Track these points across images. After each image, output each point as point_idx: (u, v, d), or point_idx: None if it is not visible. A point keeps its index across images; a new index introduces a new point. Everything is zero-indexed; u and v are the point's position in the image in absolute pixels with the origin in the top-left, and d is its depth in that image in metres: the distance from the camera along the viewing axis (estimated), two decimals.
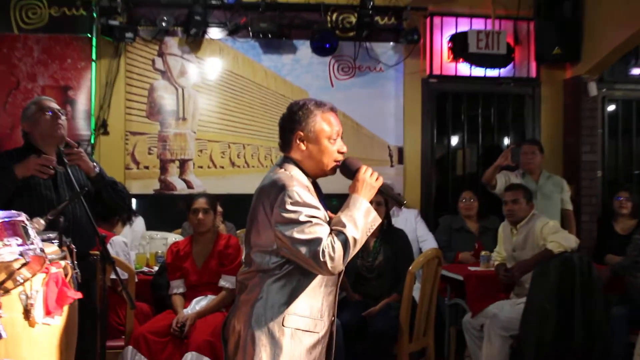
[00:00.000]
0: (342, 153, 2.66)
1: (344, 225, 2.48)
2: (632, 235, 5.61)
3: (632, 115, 7.32)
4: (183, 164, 6.51)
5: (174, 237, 5.76)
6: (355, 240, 2.48)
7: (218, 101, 6.56)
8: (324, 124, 2.62)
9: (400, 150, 6.86)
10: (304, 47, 6.62)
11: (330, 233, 2.46)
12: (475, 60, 6.82)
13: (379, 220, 2.60)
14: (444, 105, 7.08)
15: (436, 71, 6.84)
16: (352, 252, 2.48)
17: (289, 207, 2.45)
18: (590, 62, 6.76)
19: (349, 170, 2.65)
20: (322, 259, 2.41)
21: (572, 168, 6.97)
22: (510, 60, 6.94)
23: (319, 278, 2.59)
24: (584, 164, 6.87)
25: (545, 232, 4.96)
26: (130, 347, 4.31)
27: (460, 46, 6.75)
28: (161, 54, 6.43)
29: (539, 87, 7.14)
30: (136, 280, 4.64)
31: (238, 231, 6.04)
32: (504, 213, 5.27)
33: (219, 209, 5.61)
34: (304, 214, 2.45)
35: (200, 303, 4.55)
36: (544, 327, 4.62)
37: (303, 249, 2.43)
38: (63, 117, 3.69)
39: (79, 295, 2.82)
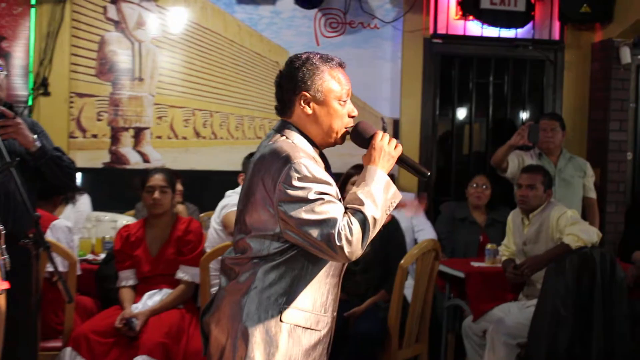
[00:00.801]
0: (352, 117, 2.67)
1: (361, 203, 2.48)
2: None
3: None
4: (138, 133, 6.51)
5: (125, 220, 5.76)
6: (375, 220, 2.48)
7: (182, 59, 6.55)
8: (333, 82, 2.62)
9: (396, 124, 6.89)
10: None
11: (346, 212, 2.46)
12: (488, 17, 6.84)
13: (399, 197, 2.60)
14: (450, 71, 7.10)
15: (441, 30, 6.86)
16: (372, 234, 2.48)
17: (295, 182, 2.44)
18: (624, 22, 6.81)
19: (362, 137, 2.66)
20: (338, 243, 2.40)
21: (597, 149, 7.03)
22: (530, 18, 6.97)
23: (326, 267, 2.60)
24: (611, 143, 6.93)
25: (562, 224, 5.01)
26: (68, 349, 4.33)
27: (470, 0, 6.77)
28: (115, 1, 6.40)
29: (563, 51, 7.17)
30: (79, 270, 4.65)
31: (202, 214, 6.07)
32: (516, 199, 5.32)
33: (179, 187, 5.64)
34: (313, 190, 2.44)
35: (153, 298, 4.58)
36: (557, 334, 4.68)
37: (314, 232, 2.41)
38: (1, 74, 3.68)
39: (5, 285, 2.83)
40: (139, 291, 4.66)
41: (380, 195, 2.51)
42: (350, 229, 2.42)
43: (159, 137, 6.54)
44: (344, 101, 2.64)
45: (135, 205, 6.05)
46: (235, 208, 4.45)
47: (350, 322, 4.64)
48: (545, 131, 6.00)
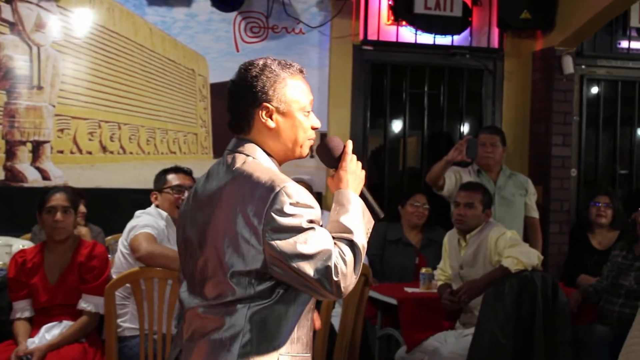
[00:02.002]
0: (315, 129, 2.62)
1: (349, 231, 2.44)
2: (611, 250, 5.81)
3: (617, 99, 7.57)
4: (37, 147, 6.40)
5: (20, 244, 5.64)
6: (364, 248, 2.45)
7: (86, 66, 6.47)
8: (296, 92, 2.55)
9: (323, 137, 6.86)
10: None
11: (335, 242, 2.40)
12: (422, 23, 6.94)
13: (372, 222, 2.58)
14: (381, 81, 7.16)
15: (372, 36, 6.92)
16: (361, 265, 2.44)
17: (287, 209, 2.35)
18: (566, 30, 6.96)
19: (331, 154, 2.63)
20: (335, 278, 2.34)
21: (540, 165, 7.17)
22: (467, 25, 7.10)
23: (310, 302, 2.52)
24: (554, 159, 7.07)
25: (501, 245, 5.08)
26: None
27: (403, 5, 6.86)
28: (10, 0, 6.30)
29: (502, 60, 7.32)
30: None
31: (108, 237, 5.99)
32: (453, 219, 5.39)
33: (82, 208, 5.56)
34: (305, 217, 2.37)
35: (51, 331, 4.49)
36: None
37: (308, 267, 2.33)
38: None
39: None
40: (35, 324, 4.56)
41: (361, 222, 2.49)
42: (344, 261, 2.37)
43: (61, 152, 6.43)
44: (308, 112, 2.58)
45: (32, 228, 5.94)
46: (145, 229, 4.46)
47: None
48: (485, 146, 6.10)
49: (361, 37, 6.92)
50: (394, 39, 6.99)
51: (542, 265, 5.06)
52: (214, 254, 2.45)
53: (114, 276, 4.54)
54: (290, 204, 2.36)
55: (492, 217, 5.45)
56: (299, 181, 5.96)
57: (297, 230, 2.35)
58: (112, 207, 6.33)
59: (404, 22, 6.94)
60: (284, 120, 2.53)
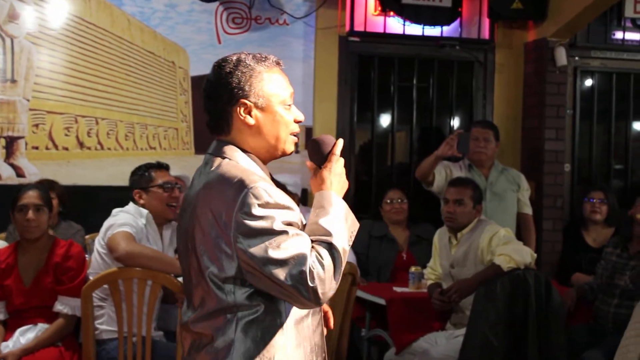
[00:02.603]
0: (298, 122, 2.59)
1: (328, 233, 2.37)
2: (605, 248, 5.82)
3: (612, 91, 7.59)
4: (11, 143, 6.37)
5: None
6: (345, 251, 2.39)
7: (62, 58, 6.44)
8: (274, 85, 2.53)
9: (309, 132, 6.89)
10: None
11: (312, 245, 2.34)
12: (411, 14, 6.93)
13: (357, 225, 2.53)
14: (368, 73, 7.15)
15: (358, 27, 6.91)
16: (342, 268, 2.38)
17: (256, 211, 2.30)
18: (559, 20, 6.95)
19: (319, 150, 2.59)
20: (310, 284, 2.27)
21: (532, 160, 7.18)
22: (457, 15, 7.09)
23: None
24: (547, 154, 7.08)
25: (494, 244, 5.08)
26: None
27: None
28: None
29: (493, 51, 7.32)
30: None
31: (87, 236, 5.96)
32: (442, 216, 5.38)
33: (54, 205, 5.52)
34: (277, 219, 2.31)
35: (26, 335, 4.47)
36: None
37: (281, 272, 2.27)
38: None
39: None
40: (9, 327, 4.54)
41: (343, 224, 2.43)
42: (322, 265, 2.31)
43: (36, 148, 6.40)
44: (289, 105, 2.56)
45: (8, 227, 5.90)
46: (123, 228, 4.43)
47: None
48: (478, 141, 6.09)
49: (347, 28, 6.90)
50: (381, 30, 6.98)
51: (536, 263, 5.05)
52: (194, 261, 2.43)
53: (91, 277, 4.52)
54: (259, 205, 2.31)
55: (483, 213, 5.45)
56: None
57: (268, 233, 2.30)
58: (90, 205, 6.30)
59: (391, 13, 6.93)
60: (263, 115, 2.50)
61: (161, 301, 4.64)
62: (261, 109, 2.50)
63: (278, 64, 2.60)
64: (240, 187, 2.33)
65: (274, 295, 2.36)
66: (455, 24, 7.12)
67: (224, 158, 2.47)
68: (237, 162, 2.47)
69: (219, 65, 2.53)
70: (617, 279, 5.46)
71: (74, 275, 4.56)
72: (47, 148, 6.42)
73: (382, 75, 7.19)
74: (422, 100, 7.33)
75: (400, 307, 5.29)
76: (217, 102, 2.51)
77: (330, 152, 2.57)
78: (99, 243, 4.62)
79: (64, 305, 4.52)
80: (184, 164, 6.44)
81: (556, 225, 7.07)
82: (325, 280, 2.30)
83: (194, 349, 2.47)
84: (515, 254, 4.93)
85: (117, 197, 5.47)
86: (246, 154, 2.51)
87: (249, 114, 2.49)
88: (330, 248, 2.35)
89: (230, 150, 2.50)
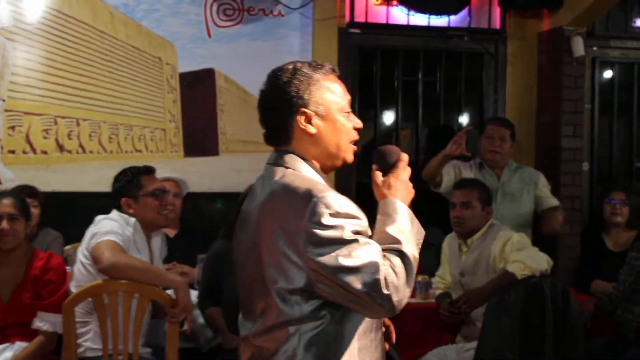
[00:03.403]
0: (357, 129, 2.72)
1: (397, 241, 2.50)
2: (628, 252, 5.82)
3: (634, 83, 7.60)
4: None
5: None
6: (415, 259, 2.52)
7: (40, 55, 6.45)
8: (333, 92, 2.66)
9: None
10: None
11: (383, 254, 2.47)
12: (416, 3, 6.96)
13: (423, 232, 2.65)
14: (371, 67, 7.17)
15: (359, 18, 6.93)
16: (414, 276, 2.52)
17: (326, 220, 2.42)
18: (575, 8, 6.95)
19: (385, 159, 2.74)
20: (385, 292, 2.39)
21: (548, 158, 7.19)
22: (465, 4, 7.12)
23: (368, 320, 2.59)
24: (564, 152, 7.09)
25: (508, 250, 5.07)
26: None
27: None
28: None
29: (505, 42, 7.33)
30: None
31: (67, 247, 5.96)
32: (451, 221, 5.38)
33: (35, 214, 5.53)
34: (347, 229, 2.44)
35: (3, 354, 4.45)
36: None
37: (356, 281, 2.39)
38: None
39: None
40: None
41: (410, 232, 2.56)
42: (395, 273, 2.43)
43: (12, 152, 6.41)
44: (348, 112, 2.68)
45: None
46: (108, 237, 4.42)
47: None
48: (493, 139, 6.08)
49: (347, 18, 6.92)
50: (384, 21, 7.01)
51: (552, 270, 5.05)
52: (258, 273, 2.55)
53: (74, 290, 4.51)
54: (330, 214, 2.43)
55: (495, 215, 5.44)
56: None
57: (339, 242, 2.42)
58: (71, 213, 6.31)
59: (395, 2, 6.95)
60: (324, 124, 2.63)
61: (151, 316, 4.64)
62: (321, 117, 2.63)
63: (334, 71, 2.71)
64: (309, 197, 2.45)
65: (345, 305, 2.48)
66: (464, 13, 7.13)
67: (287, 168, 2.59)
68: (300, 171, 2.59)
69: (275, 76, 2.65)
70: None
71: (54, 289, 4.55)
72: (24, 152, 6.43)
73: (385, 69, 7.21)
74: (428, 95, 7.33)
75: (407, 319, 5.27)
76: (276, 113, 2.63)
77: (398, 159, 2.71)
78: (82, 253, 4.60)
79: (43, 322, 4.50)
80: (173, 167, 6.44)
81: (574, 229, 7.07)
82: (399, 287, 2.42)
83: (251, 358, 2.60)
84: (529, 260, 4.92)
85: (100, 204, 5.46)
86: (307, 163, 2.64)
87: (310, 122, 2.62)
88: (402, 255, 2.48)
89: (292, 160, 2.62)
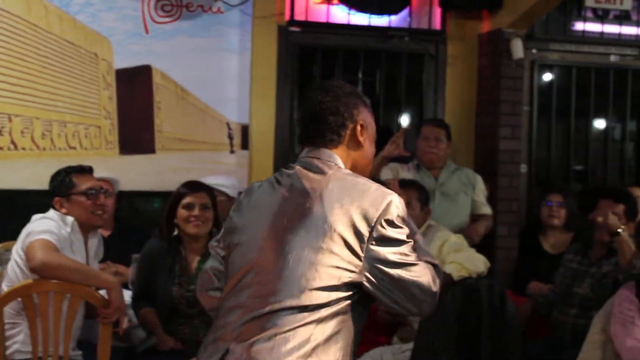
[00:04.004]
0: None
1: (433, 257, 2.78)
2: (565, 254, 5.89)
3: (572, 87, 7.67)
4: None
5: None
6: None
7: None
8: (372, 120, 2.97)
9: (245, 130, 6.89)
10: None
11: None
12: (356, 2, 6.96)
13: None
14: (310, 66, 7.16)
15: (299, 16, 6.92)
16: None
17: (397, 221, 2.64)
18: (515, 10, 7.00)
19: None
20: (429, 295, 2.67)
21: (486, 160, 7.24)
22: (406, 4, 7.13)
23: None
24: (502, 154, 7.13)
25: (445, 252, 5.11)
26: None
27: None
28: None
29: (445, 43, 7.36)
30: None
31: None
32: None
33: None
34: (409, 233, 2.69)
35: None
36: None
37: (409, 277, 2.63)
38: None
39: None
40: None
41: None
42: (435, 282, 2.70)
43: None
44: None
45: None
46: (43, 236, 4.36)
47: None
48: (429, 140, 6.12)
49: (287, 17, 6.90)
50: (324, 20, 7.00)
51: (490, 272, 5.09)
52: (297, 255, 2.63)
53: (5, 288, 4.45)
54: (398, 216, 2.64)
55: (433, 215, 5.48)
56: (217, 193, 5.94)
57: (403, 243, 2.64)
58: (3, 211, 6.22)
59: (335, 1, 6.95)
60: (368, 142, 2.91)
61: (84, 317, 4.60)
62: (369, 136, 2.92)
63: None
64: (384, 195, 2.66)
65: (380, 297, 2.65)
66: (404, 13, 7.15)
67: (338, 166, 2.80)
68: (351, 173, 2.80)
69: (338, 85, 2.91)
70: (577, 287, 5.53)
71: None
72: None
73: (325, 69, 7.19)
74: (368, 95, 7.26)
75: None
76: (336, 117, 2.84)
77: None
78: (17, 252, 4.54)
79: None
80: (108, 165, 6.38)
81: (512, 231, 7.12)
82: (433, 295, 2.69)
83: (261, 342, 2.60)
84: (466, 262, 4.97)
85: (34, 202, 5.41)
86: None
87: (361, 136, 2.87)
88: (437, 270, 2.75)
89: (339, 162, 2.83)
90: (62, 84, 6.50)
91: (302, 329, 2.58)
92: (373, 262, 2.60)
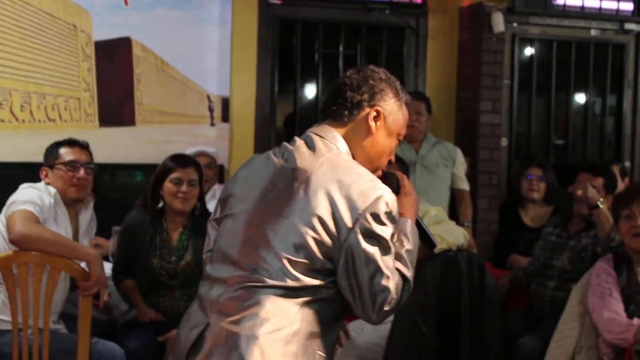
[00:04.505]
0: (389, 163, 2.93)
1: (408, 267, 2.67)
2: (544, 228, 5.93)
3: (552, 61, 7.69)
4: None
5: None
6: (410, 289, 2.69)
7: None
8: (402, 117, 2.89)
9: (226, 103, 6.87)
10: None
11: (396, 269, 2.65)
12: None
13: (416, 255, 2.79)
14: (291, 39, 7.14)
15: None
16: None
17: (383, 217, 2.58)
18: None
19: (391, 184, 2.82)
20: (386, 307, 2.59)
21: (467, 133, 7.26)
22: None
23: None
24: (483, 127, 7.15)
25: (425, 224, 5.12)
26: None
27: None
28: None
29: (426, 17, 7.37)
30: None
31: None
32: None
33: None
34: (390, 232, 2.61)
35: None
36: (418, 354, 4.80)
37: (370, 279, 2.56)
38: None
39: None
40: None
41: (414, 257, 2.74)
42: (397, 295, 2.61)
43: None
44: (399, 140, 2.92)
45: None
46: (25, 206, 4.34)
47: (166, 348, 4.61)
48: (409, 114, 6.13)
49: None
50: None
51: (468, 245, 5.12)
52: (279, 236, 2.61)
53: None
54: (386, 212, 2.58)
55: (414, 187, 5.49)
56: (201, 154, 5.95)
57: (383, 241, 2.58)
58: None
59: None
60: (383, 133, 2.83)
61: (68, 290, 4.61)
62: (386, 127, 2.83)
63: (408, 104, 2.95)
64: (375, 187, 2.61)
65: (345, 295, 2.61)
66: None
67: (338, 150, 2.75)
68: (351, 160, 2.75)
69: (373, 69, 2.87)
70: (555, 260, 5.57)
71: None
72: None
73: (306, 42, 7.17)
74: (349, 69, 7.31)
75: None
76: (356, 94, 2.80)
77: (398, 180, 2.94)
78: (1, 221, 4.53)
79: None
80: (87, 138, 6.29)
81: (492, 204, 7.15)
82: (392, 307, 2.61)
83: (241, 319, 2.58)
84: (447, 234, 4.98)
85: (11, 174, 5.41)
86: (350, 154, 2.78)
87: (376, 122, 2.80)
88: (404, 282, 2.65)
89: (342, 144, 2.77)
90: (40, 55, 6.44)
91: (281, 309, 2.57)
92: (349, 251, 2.56)
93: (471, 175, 6.83)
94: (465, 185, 6.42)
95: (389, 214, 2.59)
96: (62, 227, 4.53)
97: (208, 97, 6.85)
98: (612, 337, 4.44)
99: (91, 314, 4.32)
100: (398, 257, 2.65)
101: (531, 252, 5.90)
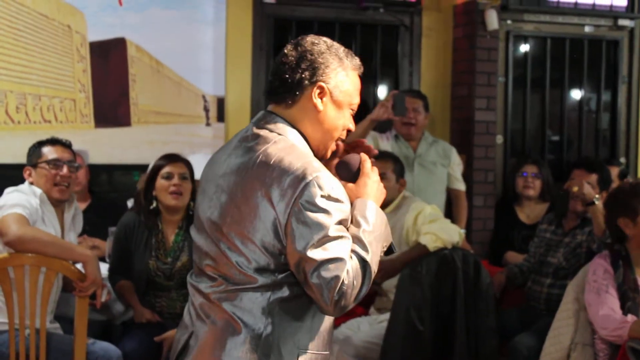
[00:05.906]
0: (348, 131, 2.75)
1: (366, 249, 2.50)
2: (539, 225, 5.94)
3: (546, 58, 7.69)
4: None
5: None
6: (373, 274, 2.52)
7: None
8: (353, 86, 2.71)
9: (221, 103, 6.87)
10: None
11: (350, 255, 2.48)
12: None
13: (390, 239, 2.69)
14: (286, 38, 7.12)
15: None
16: (366, 291, 2.52)
17: (318, 201, 2.44)
18: None
19: (349, 169, 2.75)
20: (335, 293, 2.42)
21: (462, 131, 7.26)
22: None
23: None
24: (478, 125, 7.15)
25: (420, 222, 5.14)
26: None
27: None
28: None
29: (420, 15, 7.36)
30: None
31: None
32: None
33: None
34: (334, 216, 2.46)
35: None
36: (415, 352, 4.81)
37: (315, 272, 2.42)
38: None
39: None
40: None
41: (379, 245, 2.58)
42: (353, 281, 2.44)
43: None
44: (352, 110, 2.73)
45: None
46: (15, 210, 4.35)
47: (162, 349, 4.62)
48: (407, 111, 6.14)
49: None
50: None
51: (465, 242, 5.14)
52: (236, 225, 2.53)
53: None
54: (321, 196, 2.44)
55: (411, 186, 5.50)
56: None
57: (321, 228, 2.43)
58: None
59: None
60: (332, 107, 2.66)
61: (60, 290, 4.60)
62: (334, 100, 2.65)
63: (360, 67, 2.75)
64: (303, 174, 2.45)
65: (302, 286, 2.50)
66: None
67: (279, 135, 2.59)
68: (293, 142, 2.59)
69: (312, 41, 2.67)
70: (551, 257, 5.58)
71: None
72: None
73: None
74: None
75: None
76: (295, 73, 2.62)
77: (361, 163, 2.74)
78: None
79: None
80: (83, 139, 6.37)
81: (487, 201, 7.15)
82: (349, 296, 2.44)
83: (215, 323, 2.56)
84: (442, 232, 5.00)
85: (7, 175, 5.41)
86: (300, 134, 2.64)
87: (321, 99, 2.64)
88: (364, 266, 2.48)
89: (284, 129, 2.62)
90: (35, 57, 6.45)
91: (259, 309, 2.52)
92: (289, 244, 2.46)
93: (466, 173, 6.83)
94: (461, 186, 6.42)
95: (327, 197, 2.44)
96: (50, 227, 4.54)
97: (203, 96, 6.85)
98: (606, 334, 4.46)
99: (87, 314, 4.33)
100: (355, 240, 2.50)
101: (527, 249, 5.91)
